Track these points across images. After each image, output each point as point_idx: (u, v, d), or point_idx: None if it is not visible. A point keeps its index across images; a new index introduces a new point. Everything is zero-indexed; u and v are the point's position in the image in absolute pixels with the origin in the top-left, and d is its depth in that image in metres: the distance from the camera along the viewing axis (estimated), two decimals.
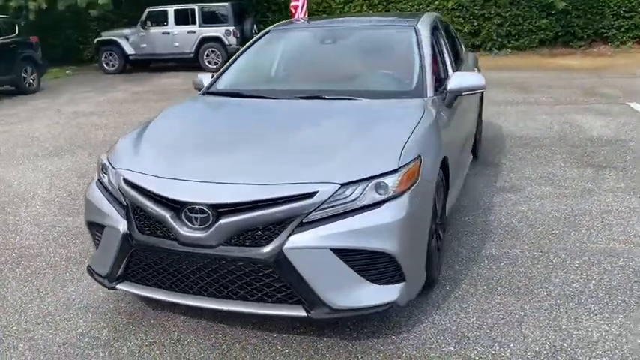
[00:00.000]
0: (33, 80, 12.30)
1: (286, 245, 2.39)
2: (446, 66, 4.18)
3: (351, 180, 2.50)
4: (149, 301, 3.02)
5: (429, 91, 3.45)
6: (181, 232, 2.49)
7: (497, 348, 2.60)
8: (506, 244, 3.68)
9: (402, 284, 2.58)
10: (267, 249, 2.40)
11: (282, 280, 2.43)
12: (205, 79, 4.09)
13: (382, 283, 2.54)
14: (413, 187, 2.61)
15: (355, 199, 2.48)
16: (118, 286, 2.74)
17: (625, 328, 2.70)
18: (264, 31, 4.37)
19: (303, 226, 2.43)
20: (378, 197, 2.51)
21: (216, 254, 2.47)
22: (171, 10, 14.76)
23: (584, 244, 3.62)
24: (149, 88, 12.16)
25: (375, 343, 2.67)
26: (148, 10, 14.96)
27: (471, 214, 4.20)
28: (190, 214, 2.49)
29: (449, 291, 3.12)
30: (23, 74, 12.00)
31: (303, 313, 2.46)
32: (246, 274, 2.47)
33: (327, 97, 3.47)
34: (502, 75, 11.55)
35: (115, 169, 2.85)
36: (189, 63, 14.66)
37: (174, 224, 2.51)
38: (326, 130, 2.98)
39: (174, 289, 2.63)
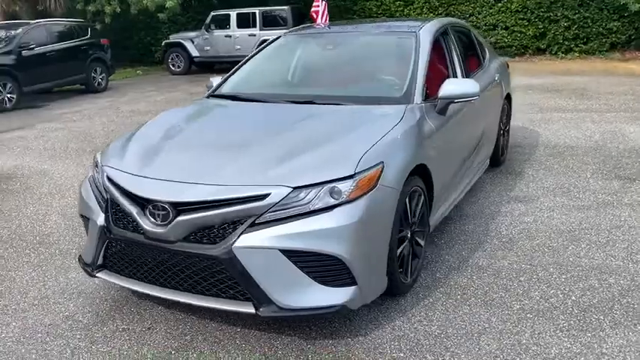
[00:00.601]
0: (102, 80, 13.11)
1: (236, 244, 2.50)
2: (452, 73, 4.15)
3: (304, 184, 2.58)
4: (134, 290, 3.23)
5: (417, 98, 3.45)
6: (146, 227, 2.67)
7: (448, 358, 2.59)
8: (497, 255, 3.61)
9: (353, 288, 2.63)
10: (218, 247, 2.53)
11: (233, 277, 2.55)
12: (216, 81, 4.28)
13: (331, 286, 2.60)
14: (369, 193, 2.66)
15: (308, 203, 2.56)
16: (97, 275, 2.96)
17: (587, 347, 2.62)
18: (277, 36, 4.51)
19: (255, 226, 2.53)
20: (332, 201, 2.58)
21: (176, 249, 2.62)
22: (233, 14, 15.26)
23: (578, 259, 3.50)
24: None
25: (328, 343, 2.73)
26: (212, 13, 15.55)
27: (472, 223, 4.14)
28: (154, 211, 2.66)
29: (420, 298, 3.13)
30: (92, 74, 12.83)
31: (252, 310, 2.56)
32: (202, 270, 2.61)
33: (317, 102, 3.55)
34: (561, 80, 11.13)
35: (101, 166, 3.08)
36: None
37: (140, 219, 2.69)
38: (298, 134, 3.07)
39: (144, 280, 2.81)
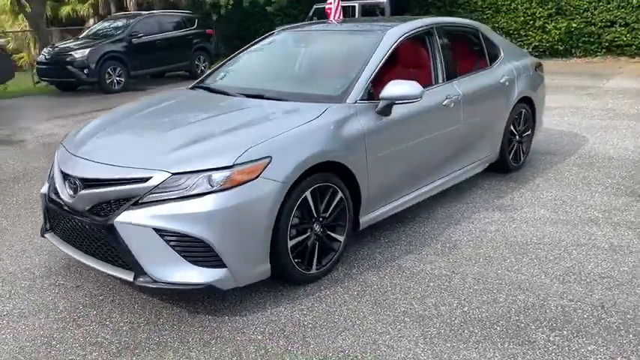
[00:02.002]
0: (204, 67, 14.20)
1: (118, 219, 2.85)
2: (433, 73, 4.21)
3: (183, 170, 2.85)
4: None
5: (352, 98, 3.53)
6: (64, 197, 3.12)
7: (297, 346, 2.73)
8: (427, 259, 3.59)
9: (222, 270, 2.86)
10: (105, 220, 2.90)
11: (115, 248, 2.91)
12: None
13: (201, 266, 2.85)
14: (247, 184, 2.86)
15: (186, 188, 2.83)
16: (45, 236, 3.48)
17: (436, 356, 2.60)
18: (270, 33, 4.76)
19: (137, 205, 2.86)
20: (208, 188, 2.82)
21: (80, 219, 3.04)
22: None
23: (505, 273, 3.37)
24: None
25: (206, 318, 2.98)
26: (315, 6, 16.00)
27: (429, 225, 4.11)
28: (70, 184, 3.10)
29: (319, 290, 3.24)
30: (196, 62, 13.94)
31: (131, 279, 2.90)
32: (98, 239, 3.00)
33: (265, 96, 3.77)
34: None
35: (60, 143, 3.60)
36: None
37: (61, 190, 3.15)
38: (213, 124, 3.33)
39: (69, 242, 3.27)
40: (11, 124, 9.11)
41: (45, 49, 12.77)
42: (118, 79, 12.12)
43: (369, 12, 15.13)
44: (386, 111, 3.61)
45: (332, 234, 3.40)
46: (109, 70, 11.94)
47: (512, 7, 15.16)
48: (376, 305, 3.07)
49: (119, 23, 13.33)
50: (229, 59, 4.62)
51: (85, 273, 3.54)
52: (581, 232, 3.91)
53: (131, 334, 2.87)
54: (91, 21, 20.86)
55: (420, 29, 4.28)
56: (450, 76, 4.35)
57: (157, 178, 2.85)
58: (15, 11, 20.16)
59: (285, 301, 3.14)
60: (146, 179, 2.86)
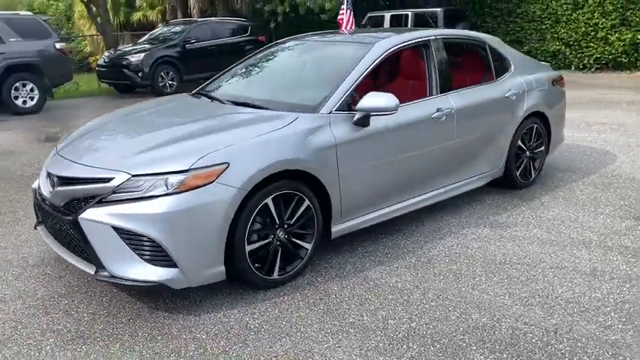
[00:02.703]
0: None
1: (81, 216, 3.04)
2: (428, 85, 4.21)
3: (142, 172, 3.01)
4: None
5: (327, 108, 3.58)
6: (44, 192, 3.36)
7: (237, 349, 2.81)
8: (396, 272, 3.58)
9: (174, 270, 2.99)
10: (72, 216, 3.10)
11: (80, 242, 3.10)
12: None
13: (153, 264, 2.99)
14: (202, 189, 2.98)
15: (144, 189, 2.99)
16: (37, 228, 3.75)
17: None
18: (275, 42, 4.90)
19: (101, 203, 3.04)
20: (164, 191, 2.97)
21: (57, 214, 3.26)
22: (387, 15, 15.58)
23: (470, 291, 3.31)
24: None
25: (163, 315, 3.12)
26: (368, 15, 16.07)
27: (411, 239, 4.08)
28: (51, 181, 3.33)
29: (278, 295, 3.30)
30: None
31: (93, 272, 3.08)
32: (68, 233, 3.21)
33: (250, 104, 3.89)
34: None
35: (56, 144, 3.87)
36: None
37: (43, 186, 3.39)
38: (187, 129, 3.45)
39: (52, 235, 3.51)
40: (64, 122, 9.73)
41: (105, 53, 13.56)
42: (170, 82, 12.66)
43: (422, 21, 15.00)
44: (363, 122, 3.63)
45: (298, 241, 3.46)
46: (162, 73, 12.50)
47: (572, 18, 14.57)
48: (327, 314, 3.10)
49: (177, 29, 13.94)
50: (232, 67, 4.78)
51: (72, 265, 3.77)
52: (566, 255, 3.77)
53: (89, 325, 3.05)
54: (160, 26, 21.84)
55: (414, 42, 4.27)
56: (445, 89, 4.30)
57: (118, 179, 3.02)
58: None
59: (241, 304, 3.23)
60: (109, 179, 3.04)
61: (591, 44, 14.41)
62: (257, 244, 3.25)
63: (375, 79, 4.74)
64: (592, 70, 14.49)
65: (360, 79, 3.79)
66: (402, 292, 3.32)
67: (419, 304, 3.18)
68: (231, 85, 4.41)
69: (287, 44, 4.75)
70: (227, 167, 3.05)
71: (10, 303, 3.31)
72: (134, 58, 12.34)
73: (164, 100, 4.56)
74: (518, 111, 4.87)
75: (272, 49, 4.80)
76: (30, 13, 11.23)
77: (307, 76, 4.19)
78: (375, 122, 3.70)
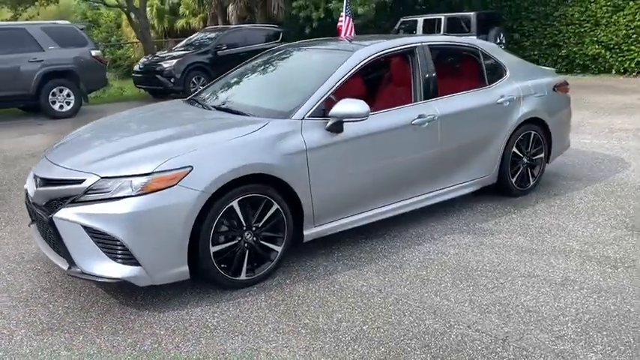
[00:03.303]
0: None
1: (56, 215, 3.24)
2: (413, 91, 4.25)
3: (110, 175, 3.18)
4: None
5: (300, 114, 3.66)
6: (30, 192, 3.59)
7: (191, 342, 2.93)
8: (364, 276, 3.62)
9: (137, 268, 3.14)
10: (48, 214, 3.30)
11: (55, 240, 3.30)
12: None
13: (119, 262, 3.15)
14: (164, 191, 3.12)
15: (111, 191, 3.16)
16: (30, 226, 3.99)
17: None
18: (268, 50, 5.02)
19: (74, 203, 3.23)
20: (129, 193, 3.13)
21: (39, 212, 3.48)
22: (420, 20, 15.50)
23: (432, 297, 3.32)
24: None
25: (126, 310, 3.28)
26: (401, 19, 16.03)
27: (389, 244, 4.10)
28: (35, 181, 3.56)
29: (242, 296, 3.40)
30: None
31: (66, 268, 3.27)
32: (48, 231, 3.42)
33: (231, 109, 4.03)
34: None
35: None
36: None
37: (30, 186, 3.62)
38: (161, 134, 3.61)
39: (39, 232, 3.73)
40: None
41: (142, 59, 14.05)
42: (201, 87, 12.97)
43: (455, 25, 14.85)
44: (336, 128, 3.70)
45: (268, 244, 3.55)
46: (193, 79, 12.87)
47: (612, 20, 14.10)
48: (285, 315, 3.18)
49: (211, 35, 14.32)
50: (226, 74, 4.93)
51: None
52: (542, 263, 3.71)
53: (61, 317, 3.24)
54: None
55: (397, 49, 4.31)
56: (430, 96, 4.30)
57: (89, 181, 3.20)
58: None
59: (205, 302, 3.35)
60: (81, 181, 3.23)
61: (632, 47, 13.90)
62: (223, 246, 3.37)
63: (357, 86, 4.78)
64: (633, 74, 13.97)
65: (336, 86, 3.85)
66: (364, 296, 3.36)
67: (377, 307, 3.22)
68: (220, 91, 4.56)
69: (279, 52, 4.87)
70: (190, 171, 3.18)
71: None
72: (167, 65, 12.75)
73: (156, 105, 4.76)
74: (512, 117, 4.81)
75: (265, 57, 4.93)
76: (68, 22, 11.75)
77: (288, 83, 4.29)
78: (351, 128, 3.76)
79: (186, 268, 3.26)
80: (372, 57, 4.13)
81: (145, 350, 2.89)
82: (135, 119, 4.25)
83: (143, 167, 3.17)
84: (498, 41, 14.50)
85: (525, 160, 5.04)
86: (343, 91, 3.96)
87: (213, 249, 3.31)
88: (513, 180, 4.99)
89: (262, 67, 4.68)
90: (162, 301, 3.39)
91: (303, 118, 3.66)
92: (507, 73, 4.95)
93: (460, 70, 4.92)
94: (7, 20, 17.13)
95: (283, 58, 4.66)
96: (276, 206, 3.52)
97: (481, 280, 3.51)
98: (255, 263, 3.55)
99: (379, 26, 18.38)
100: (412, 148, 4.16)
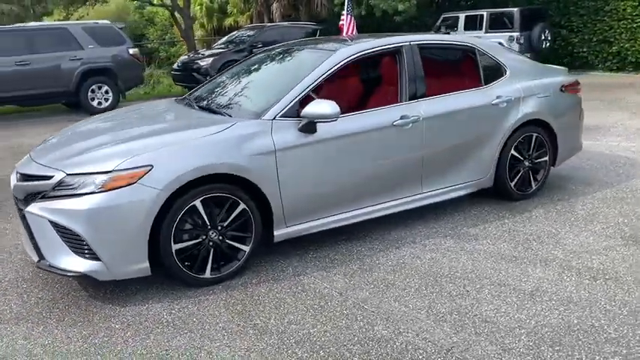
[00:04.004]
0: None
1: (27, 209, 3.38)
2: (399, 91, 4.18)
3: (75, 172, 3.29)
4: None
5: (270, 115, 3.66)
6: (11, 187, 3.76)
7: (140, 337, 3.00)
8: (330, 278, 3.59)
9: (98, 263, 3.23)
10: (22, 208, 3.45)
11: (28, 233, 3.44)
12: None
13: (81, 257, 3.25)
14: (124, 189, 3.19)
15: (76, 187, 3.26)
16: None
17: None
18: (264, 49, 5.05)
19: (44, 198, 3.36)
20: (91, 190, 3.23)
21: (18, 206, 3.64)
22: (462, 16, 15.14)
23: (391, 303, 3.25)
24: None
25: (91, 304, 3.39)
26: (443, 15, 15.71)
27: (367, 247, 4.04)
28: (16, 177, 3.72)
29: (204, 294, 3.44)
30: None
31: (36, 261, 3.41)
32: (24, 223, 3.57)
33: (211, 108, 4.08)
34: None
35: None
36: None
37: (12, 181, 3.79)
38: (136, 132, 3.70)
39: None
40: None
41: (181, 57, 14.40)
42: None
43: (497, 21, 14.42)
44: (308, 129, 3.68)
45: (234, 243, 3.58)
46: None
47: None
48: (239, 315, 3.20)
49: (249, 33, 14.50)
50: (218, 75, 4.99)
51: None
52: (518, 272, 3.56)
53: (30, 308, 3.38)
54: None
55: (381, 48, 4.22)
56: (416, 96, 4.20)
57: (56, 177, 3.32)
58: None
59: (167, 299, 3.42)
60: (50, 177, 3.35)
61: None
62: (186, 244, 3.41)
63: (340, 86, 4.72)
64: None
65: (312, 86, 3.82)
66: (323, 299, 3.33)
67: (332, 311, 3.19)
68: (209, 91, 4.61)
69: (270, 52, 4.88)
70: (150, 169, 3.24)
71: None
72: (203, 62, 13.01)
73: (146, 104, 4.88)
74: (510, 118, 4.63)
75: (256, 57, 4.95)
76: (108, 22, 12.18)
77: (269, 83, 4.28)
78: (325, 129, 3.73)
79: (146, 264, 3.32)
80: (354, 57, 4.06)
81: (95, 343, 2.98)
82: (117, 118, 4.37)
83: (105, 165, 3.25)
84: (543, 38, 13.97)
85: (527, 163, 4.84)
86: (326, 91, 3.93)
87: (175, 246, 3.36)
88: (512, 184, 4.80)
89: (252, 67, 4.70)
90: (127, 295, 3.47)
91: (274, 119, 3.66)
92: (507, 72, 4.76)
93: (453, 70, 4.77)
94: (58, 20, 17.94)
95: (273, 59, 4.66)
96: (242, 206, 3.53)
97: (447, 286, 3.41)
98: (222, 262, 3.58)
99: (422, 22, 18.08)
100: (394, 149, 4.08)
